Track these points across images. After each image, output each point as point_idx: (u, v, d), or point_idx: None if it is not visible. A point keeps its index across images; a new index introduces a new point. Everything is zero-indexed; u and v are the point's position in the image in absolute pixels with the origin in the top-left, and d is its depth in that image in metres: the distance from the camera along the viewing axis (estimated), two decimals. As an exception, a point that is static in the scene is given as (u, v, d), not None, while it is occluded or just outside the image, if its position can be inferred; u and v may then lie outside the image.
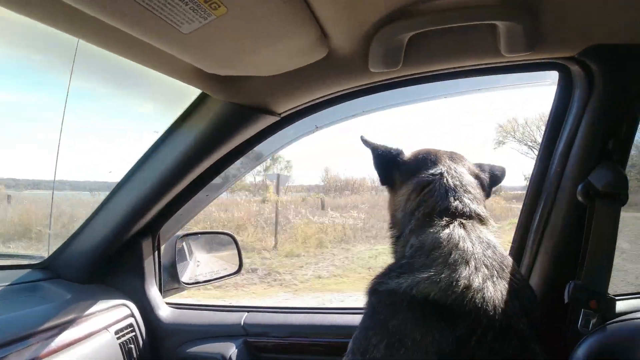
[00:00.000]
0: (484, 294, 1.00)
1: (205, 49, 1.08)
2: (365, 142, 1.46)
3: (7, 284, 1.74)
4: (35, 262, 1.98)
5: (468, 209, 1.22)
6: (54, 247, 2.00)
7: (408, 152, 1.45)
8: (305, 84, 1.44)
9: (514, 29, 1.15)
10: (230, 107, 1.48)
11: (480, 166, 1.45)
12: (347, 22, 1.13)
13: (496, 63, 1.39)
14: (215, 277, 2.23)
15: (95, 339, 1.59)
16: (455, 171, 1.31)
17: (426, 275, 1.04)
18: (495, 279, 1.04)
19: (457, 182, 1.28)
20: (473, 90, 1.66)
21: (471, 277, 1.02)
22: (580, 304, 1.33)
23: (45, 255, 2.01)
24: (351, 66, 1.35)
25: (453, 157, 1.39)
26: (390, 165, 1.42)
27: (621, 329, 1.34)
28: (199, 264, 2.39)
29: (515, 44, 1.21)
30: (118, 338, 1.69)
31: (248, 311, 1.95)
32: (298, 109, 1.58)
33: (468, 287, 1.00)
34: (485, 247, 1.11)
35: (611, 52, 1.28)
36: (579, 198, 1.36)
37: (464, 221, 1.18)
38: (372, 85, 1.48)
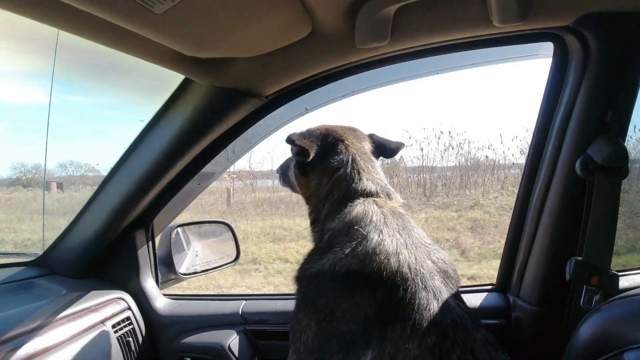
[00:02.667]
0: (398, 258, 1.08)
1: (181, 29, 1.04)
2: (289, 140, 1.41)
3: (3, 282, 1.73)
4: (29, 260, 1.97)
5: (379, 188, 1.31)
6: (48, 244, 1.99)
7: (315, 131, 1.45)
8: (291, 64, 1.41)
9: None
10: (214, 92, 1.45)
11: (372, 139, 1.53)
12: None
13: (488, 35, 1.34)
14: (213, 266, 2.21)
15: (92, 334, 1.58)
16: (363, 153, 1.40)
17: (347, 251, 1.12)
18: (408, 244, 1.13)
19: (368, 165, 1.36)
20: (466, 65, 1.61)
21: (385, 245, 1.10)
22: (582, 280, 1.31)
23: (39, 252, 2.00)
24: (337, 43, 1.31)
25: (357, 136, 1.47)
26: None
27: (625, 305, 1.32)
28: (197, 253, 2.37)
29: (507, 13, 1.17)
30: (115, 332, 1.69)
31: (246, 299, 1.93)
32: (285, 90, 1.54)
33: (382, 253, 1.09)
34: (397, 219, 1.21)
35: (606, 20, 1.24)
36: (578, 172, 1.33)
37: (376, 199, 1.27)
38: (360, 62, 1.43)
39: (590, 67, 1.32)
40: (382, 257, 1.07)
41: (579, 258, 1.32)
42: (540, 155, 1.50)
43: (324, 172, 1.36)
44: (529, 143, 1.56)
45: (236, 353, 1.76)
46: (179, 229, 2.19)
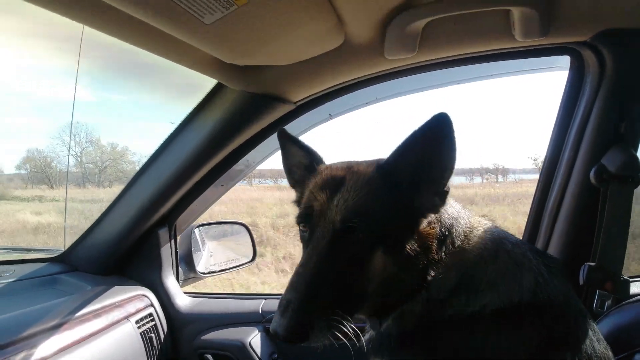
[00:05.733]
0: None
1: (226, 39, 1.10)
2: None
3: (26, 277, 1.77)
4: (53, 256, 2.01)
5: None
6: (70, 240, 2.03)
7: None
8: (321, 72, 1.45)
9: (528, 14, 1.17)
10: (246, 97, 1.49)
11: None
12: (363, 9, 1.14)
13: (510, 48, 1.40)
14: (230, 266, 2.26)
15: (116, 329, 1.62)
16: None
17: None
18: None
19: None
20: (486, 76, 1.66)
21: None
22: (595, 285, 1.35)
23: (62, 248, 2.04)
24: (367, 53, 1.36)
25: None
26: None
27: (636, 309, 1.36)
28: (212, 253, 2.42)
29: (529, 29, 1.22)
30: (139, 327, 1.72)
31: (265, 298, 1.97)
32: (313, 97, 1.59)
33: None
34: None
35: (622, 36, 1.29)
36: (592, 181, 1.37)
37: None
38: (387, 72, 1.49)
39: (606, 81, 1.37)
40: None
41: (593, 264, 1.35)
42: (556, 164, 1.55)
43: None
44: (545, 153, 1.60)
45: (257, 350, 1.79)
46: (200, 228, 2.23)
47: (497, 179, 28.17)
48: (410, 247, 0.98)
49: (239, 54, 1.21)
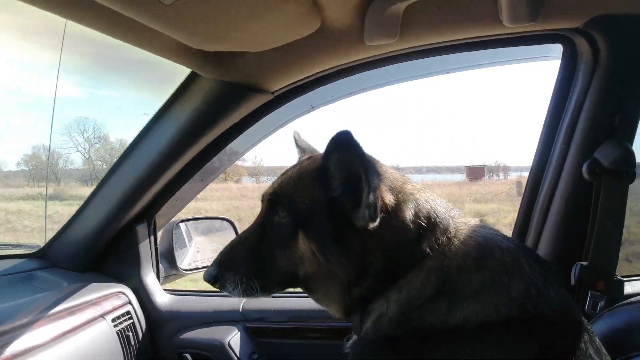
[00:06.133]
0: None
1: (189, 21, 1.03)
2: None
3: (3, 273, 1.73)
4: (31, 252, 1.96)
5: None
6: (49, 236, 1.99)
7: None
8: (298, 60, 1.40)
9: None
10: (221, 86, 1.44)
11: None
12: None
13: (498, 35, 1.34)
14: (214, 262, 2.21)
15: (91, 328, 1.57)
16: None
17: None
18: None
19: None
20: (475, 65, 1.61)
21: None
22: (587, 285, 1.29)
23: (41, 244, 2.00)
24: (346, 39, 1.30)
25: None
26: None
27: (630, 311, 1.31)
28: (199, 249, 2.38)
29: (517, 13, 1.16)
30: (115, 326, 1.68)
31: None
32: (292, 86, 1.53)
33: None
34: None
35: (617, 23, 1.24)
36: (585, 176, 1.32)
37: None
38: (368, 60, 1.43)
39: (599, 70, 1.31)
40: None
41: (584, 263, 1.30)
42: (547, 158, 1.49)
43: None
44: (536, 146, 1.54)
45: (236, 350, 1.75)
46: (181, 224, 2.19)
47: (498, 176, 28.41)
48: (347, 243, 1.01)
49: (206, 38, 1.14)
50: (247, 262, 1.11)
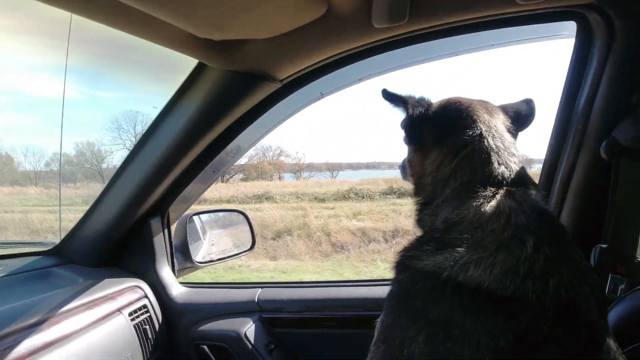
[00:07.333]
0: (548, 280, 0.84)
1: (196, 9, 1.02)
2: (389, 96, 1.22)
3: (19, 271, 1.75)
4: (46, 249, 1.99)
5: (515, 175, 1.03)
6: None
7: (436, 103, 1.22)
8: (306, 46, 1.38)
9: None
10: (228, 76, 1.43)
11: (506, 112, 1.22)
12: None
13: (510, 13, 1.30)
14: (229, 254, 2.24)
15: (108, 322, 1.59)
16: (495, 130, 1.11)
17: (475, 257, 0.88)
18: (559, 259, 0.87)
19: (500, 144, 1.07)
20: (486, 45, 1.56)
21: (532, 260, 0.86)
22: (607, 269, 1.26)
23: (57, 241, 2.02)
24: (353, 23, 1.27)
25: (488, 109, 1.17)
26: (420, 121, 1.18)
27: None
28: (214, 242, 2.39)
29: None
30: (132, 319, 1.70)
31: (262, 287, 1.94)
32: (300, 74, 1.52)
33: (529, 272, 0.84)
34: (542, 220, 0.93)
35: None
36: (603, 155, 1.28)
37: (512, 189, 0.98)
38: (377, 43, 1.40)
39: (615, 47, 1.27)
40: (528, 278, 0.84)
41: (604, 245, 1.27)
42: (564, 138, 1.45)
43: (444, 151, 1.11)
44: (552, 128, 1.51)
45: (252, 340, 1.76)
46: (195, 217, 2.20)
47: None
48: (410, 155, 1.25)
49: (211, 26, 1.13)
50: None
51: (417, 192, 1.19)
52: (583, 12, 1.30)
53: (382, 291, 1.69)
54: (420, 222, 1.15)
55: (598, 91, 1.33)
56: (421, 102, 1.18)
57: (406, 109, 1.18)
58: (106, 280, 1.74)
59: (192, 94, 1.51)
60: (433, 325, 0.85)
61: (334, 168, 30.78)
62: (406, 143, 1.27)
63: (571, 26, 1.39)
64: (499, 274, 0.85)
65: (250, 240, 2.25)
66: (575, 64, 1.41)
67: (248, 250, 2.25)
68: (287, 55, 1.41)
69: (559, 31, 1.49)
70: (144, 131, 1.67)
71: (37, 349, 1.30)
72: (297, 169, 30.39)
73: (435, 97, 1.23)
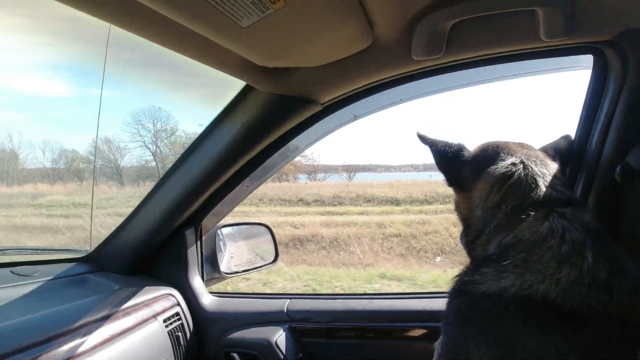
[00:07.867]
0: (612, 290, 0.86)
1: (261, 42, 1.13)
2: (423, 139, 1.30)
3: (55, 277, 1.81)
4: (80, 256, 2.06)
5: (563, 196, 1.07)
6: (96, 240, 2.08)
7: (471, 147, 1.31)
8: (348, 74, 1.48)
9: (552, 13, 1.18)
10: (274, 99, 1.52)
11: (545, 150, 1.33)
12: (392, 11, 1.17)
13: (534, 48, 1.40)
14: (252, 267, 2.30)
15: (145, 328, 1.66)
16: (535, 157, 1.17)
17: (539, 274, 0.91)
18: (616, 271, 0.89)
19: (543, 169, 1.13)
20: (511, 75, 1.67)
21: (594, 271, 0.88)
22: None
23: (89, 248, 2.09)
24: (394, 54, 1.38)
25: (524, 145, 1.25)
26: (455, 162, 1.26)
27: None
28: (233, 255, 2.45)
29: (553, 29, 1.23)
30: (166, 326, 1.76)
31: (290, 298, 1.99)
32: (340, 98, 1.62)
33: (593, 282, 0.86)
34: (595, 235, 0.97)
35: None
36: (617, 179, 1.36)
37: (562, 210, 1.02)
38: (413, 72, 1.50)
39: (629, 80, 1.37)
40: (593, 288, 0.86)
41: None
42: (581, 163, 1.54)
43: (490, 181, 1.15)
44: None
45: (282, 349, 1.81)
46: (223, 229, 2.27)
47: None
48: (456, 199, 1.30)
49: (272, 56, 1.24)
50: None
51: (466, 230, 1.23)
52: (600, 47, 1.40)
53: (409, 304, 1.77)
54: (472, 253, 1.18)
55: (613, 119, 1.42)
56: (450, 144, 1.29)
57: (434, 150, 1.29)
58: (140, 287, 1.81)
59: (237, 114, 1.61)
60: (497, 347, 0.87)
61: (351, 170, 30.19)
62: (448, 186, 1.34)
63: (588, 59, 1.49)
64: (565, 286, 0.87)
65: (274, 253, 2.32)
66: (591, 94, 1.51)
67: (271, 263, 2.31)
68: (331, 82, 1.51)
69: (577, 63, 1.60)
70: (186, 147, 1.75)
71: (84, 351, 1.37)
72: (312, 170, 30.14)
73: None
